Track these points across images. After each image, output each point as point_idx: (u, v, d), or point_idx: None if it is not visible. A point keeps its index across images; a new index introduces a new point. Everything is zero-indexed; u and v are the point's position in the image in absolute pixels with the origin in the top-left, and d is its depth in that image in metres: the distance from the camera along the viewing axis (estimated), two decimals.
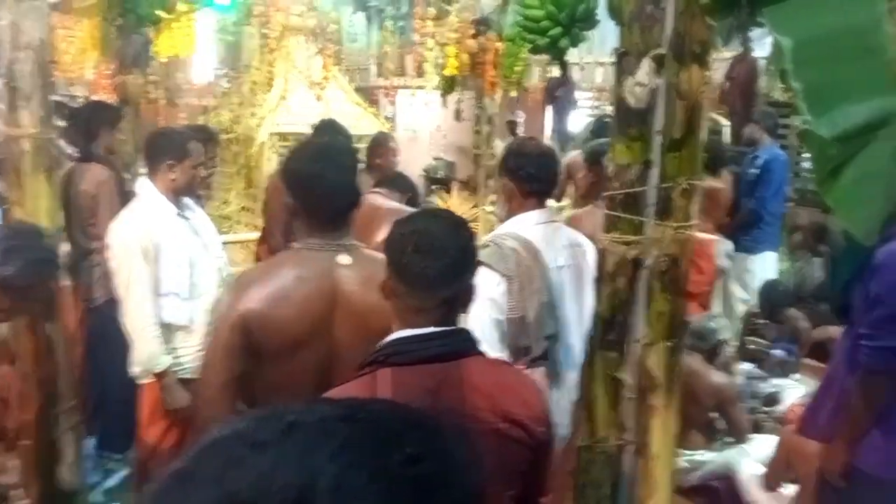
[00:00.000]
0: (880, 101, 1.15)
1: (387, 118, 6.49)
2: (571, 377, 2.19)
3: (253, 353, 1.53)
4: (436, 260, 1.18)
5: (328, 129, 3.63)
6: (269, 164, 4.90)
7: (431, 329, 1.20)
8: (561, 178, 4.66)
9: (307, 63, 5.08)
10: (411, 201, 3.32)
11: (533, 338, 1.99)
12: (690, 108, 1.64)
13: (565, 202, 4.59)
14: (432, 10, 4.02)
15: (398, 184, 3.36)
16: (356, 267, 1.57)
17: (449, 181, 7.08)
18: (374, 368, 1.20)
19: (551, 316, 2.05)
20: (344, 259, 1.59)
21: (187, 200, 2.65)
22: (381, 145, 3.91)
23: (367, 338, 1.30)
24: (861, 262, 2.06)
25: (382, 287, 1.25)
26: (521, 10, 1.82)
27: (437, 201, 6.04)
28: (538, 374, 2.10)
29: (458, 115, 5.72)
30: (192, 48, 4.53)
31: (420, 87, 5.81)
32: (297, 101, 5.25)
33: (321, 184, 1.59)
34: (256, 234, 4.11)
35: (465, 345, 1.24)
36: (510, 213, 2.20)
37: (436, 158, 7.21)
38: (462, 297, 1.25)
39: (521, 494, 1.28)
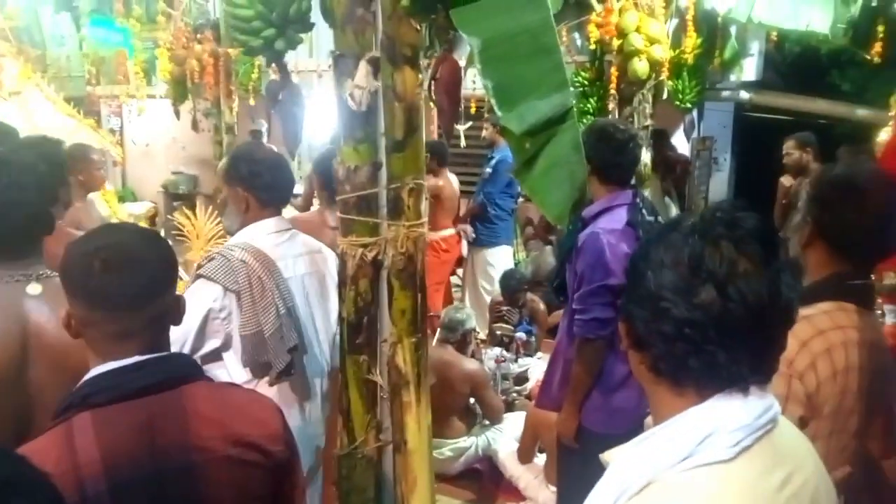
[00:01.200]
0: (558, 96, 1.29)
1: (111, 130, 5.84)
2: (322, 386, 2.15)
3: None
4: (132, 276, 1.05)
5: None
6: None
7: (137, 358, 1.07)
8: (306, 187, 4.60)
9: None
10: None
11: (273, 352, 1.90)
12: (408, 109, 1.69)
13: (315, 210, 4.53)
14: (138, 9, 3.66)
15: None
16: (49, 297, 1.40)
17: (193, 196, 6.59)
18: (70, 414, 1.03)
19: (293, 327, 1.98)
20: (34, 289, 1.42)
21: None
22: (78, 160, 3.50)
23: (70, 377, 1.13)
24: (570, 246, 2.32)
25: (66, 322, 1.09)
26: (231, 10, 1.73)
27: (181, 218, 5.59)
28: (285, 388, 2.02)
29: (195, 126, 5.34)
30: None
31: (141, 97, 5.28)
32: None
33: None
34: None
35: (184, 370, 1.13)
36: (244, 224, 2.08)
37: (175, 173, 6.68)
38: (169, 315, 1.13)
39: None
